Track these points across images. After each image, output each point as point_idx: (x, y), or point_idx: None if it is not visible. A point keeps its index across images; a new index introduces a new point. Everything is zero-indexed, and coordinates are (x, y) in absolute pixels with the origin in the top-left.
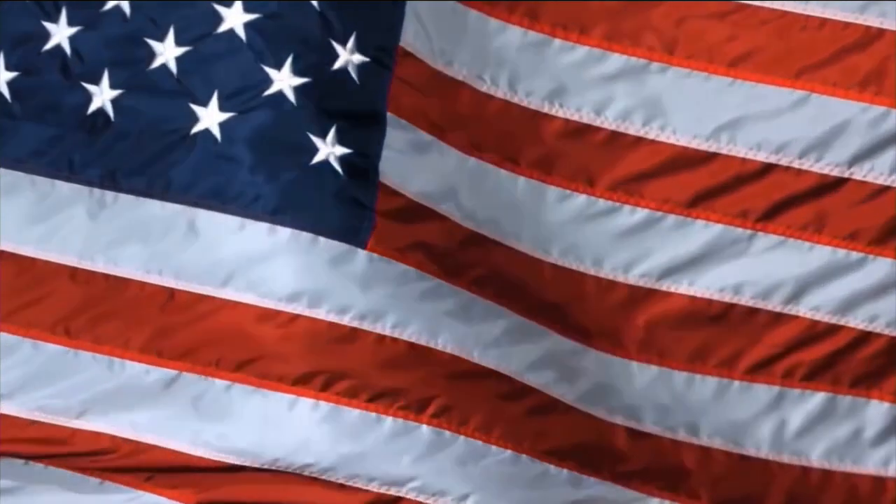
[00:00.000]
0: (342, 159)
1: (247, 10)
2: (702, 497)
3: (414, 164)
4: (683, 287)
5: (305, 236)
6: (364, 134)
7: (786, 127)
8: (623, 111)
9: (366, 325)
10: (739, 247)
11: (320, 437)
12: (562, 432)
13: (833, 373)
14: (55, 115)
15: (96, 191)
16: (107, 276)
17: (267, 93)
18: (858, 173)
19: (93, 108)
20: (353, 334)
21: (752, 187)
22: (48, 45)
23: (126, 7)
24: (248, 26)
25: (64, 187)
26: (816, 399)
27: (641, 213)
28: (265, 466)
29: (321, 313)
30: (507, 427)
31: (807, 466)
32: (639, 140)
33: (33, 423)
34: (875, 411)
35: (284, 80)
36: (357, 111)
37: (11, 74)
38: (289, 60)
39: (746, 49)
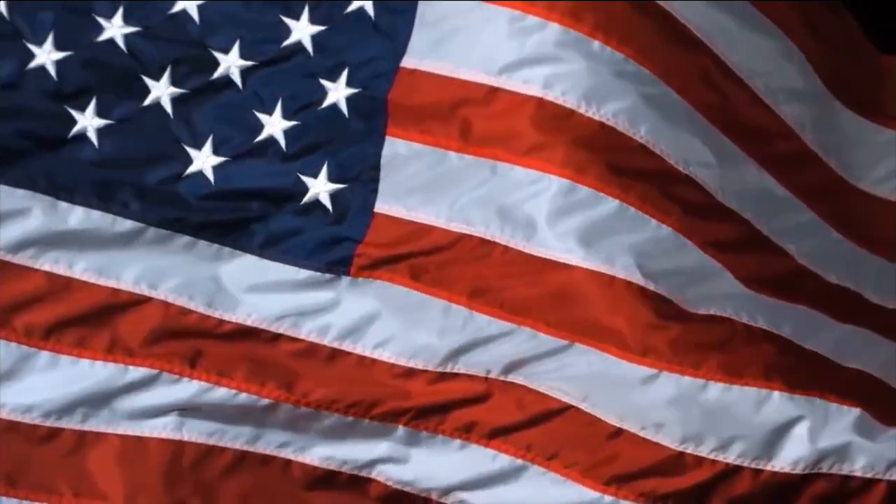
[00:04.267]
0: (334, 196)
1: (243, 56)
2: None
3: (410, 178)
4: None
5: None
6: (358, 166)
7: None
8: None
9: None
10: None
11: None
12: None
13: None
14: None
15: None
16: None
17: (259, 138)
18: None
19: (76, 133)
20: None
21: None
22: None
23: (121, 42)
24: (245, 71)
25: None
26: None
27: None
28: None
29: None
30: None
31: None
32: None
33: None
34: None
35: (276, 125)
36: (351, 144)
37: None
38: (279, 105)
39: None
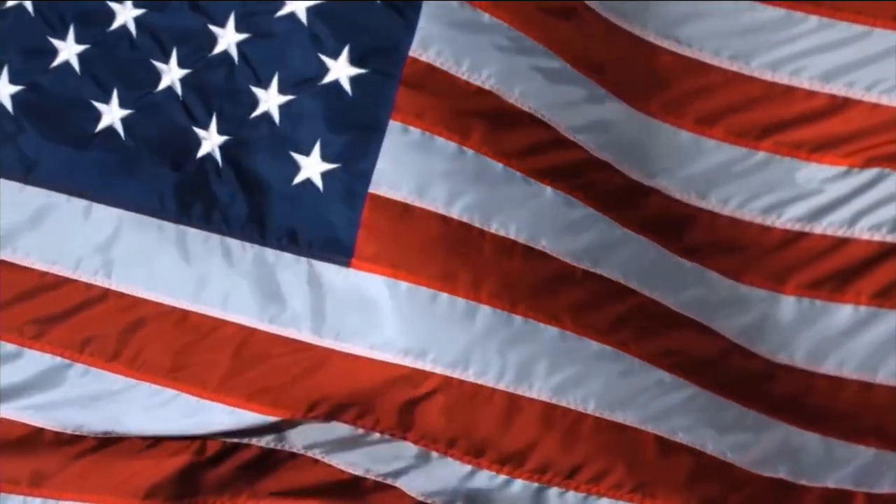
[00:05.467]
0: (325, 176)
1: (238, 29)
2: None
3: (411, 164)
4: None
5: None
6: (356, 147)
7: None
8: None
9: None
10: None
11: None
12: None
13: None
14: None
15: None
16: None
17: (255, 114)
18: (818, 228)
19: (102, 125)
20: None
21: None
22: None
23: (132, 28)
24: (241, 45)
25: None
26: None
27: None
28: None
29: None
30: None
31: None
32: None
33: None
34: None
35: (271, 100)
36: (350, 124)
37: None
38: (275, 79)
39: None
